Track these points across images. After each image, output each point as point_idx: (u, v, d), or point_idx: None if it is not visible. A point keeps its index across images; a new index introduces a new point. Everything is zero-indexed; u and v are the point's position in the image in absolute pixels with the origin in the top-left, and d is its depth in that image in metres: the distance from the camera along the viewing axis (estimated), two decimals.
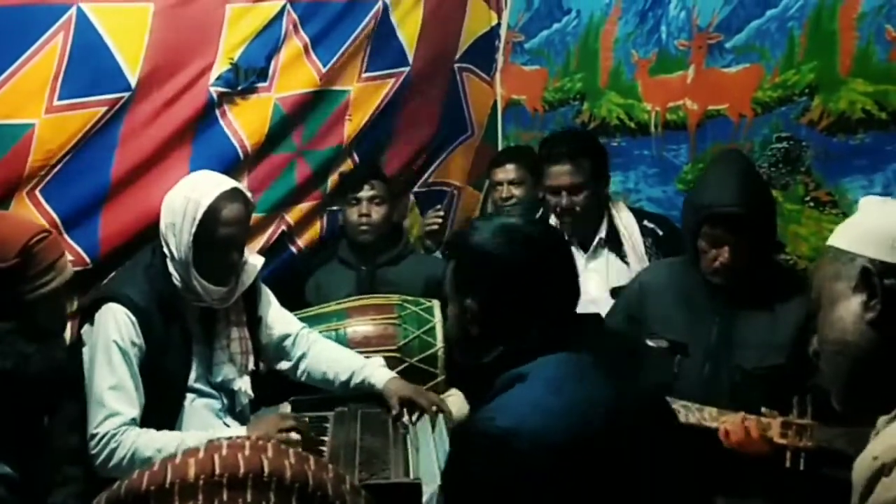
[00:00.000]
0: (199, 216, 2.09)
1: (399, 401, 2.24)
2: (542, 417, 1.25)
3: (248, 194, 2.25)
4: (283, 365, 2.44)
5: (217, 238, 2.12)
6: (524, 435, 1.23)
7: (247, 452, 0.65)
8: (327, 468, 0.67)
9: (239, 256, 2.21)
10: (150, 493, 0.63)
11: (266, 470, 0.64)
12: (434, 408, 2.23)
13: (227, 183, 2.19)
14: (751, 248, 1.96)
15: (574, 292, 1.44)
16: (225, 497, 0.62)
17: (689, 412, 1.89)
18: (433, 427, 2.18)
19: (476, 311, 1.40)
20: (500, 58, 3.62)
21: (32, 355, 1.47)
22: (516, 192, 3.08)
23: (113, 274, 2.39)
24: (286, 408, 2.40)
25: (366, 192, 2.90)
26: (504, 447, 1.23)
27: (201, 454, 0.65)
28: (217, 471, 0.63)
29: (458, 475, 1.32)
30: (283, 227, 2.98)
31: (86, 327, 2.16)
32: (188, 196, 2.13)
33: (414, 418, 2.22)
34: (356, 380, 2.34)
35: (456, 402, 2.55)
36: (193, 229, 2.09)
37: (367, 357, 2.43)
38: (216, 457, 0.64)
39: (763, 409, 1.82)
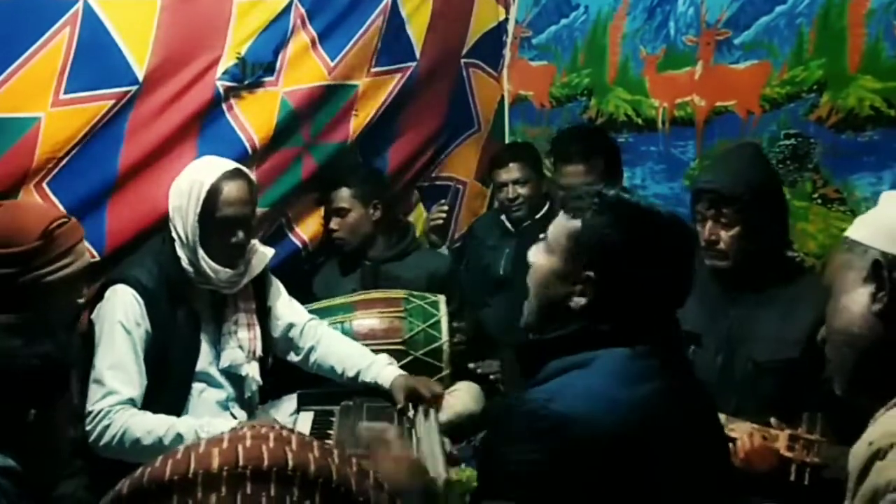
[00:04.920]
0: (202, 195, 2.14)
1: (406, 397, 2.27)
2: (603, 408, 1.23)
3: (252, 175, 2.28)
4: (293, 357, 2.47)
5: (221, 217, 2.17)
6: (580, 423, 1.20)
7: (271, 444, 0.64)
8: (351, 462, 0.66)
9: (245, 236, 2.23)
10: (174, 483, 0.62)
11: (290, 464, 0.63)
12: (432, 397, 2.26)
13: (230, 164, 2.24)
14: (738, 226, 1.96)
15: (682, 299, 1.39)
16: (248, 490, 0.61)
17: None
18: (426, 416, 2.19)
19: (593, 285, 1.32)
20: (507, 53, 3.62)
21: (18, 350, 1.47)
22: (522, 191, 3.08)
23: (125, 260, 2.40)
24: (292, 401, 2.41)
25: (331, 206, 2.95)
26: (557, 432, 1.20)
27: (225, 444, 0.64)
28: (241, 462, 0.63)
29: (499, 455, 1.27)
30: (282, 219, 3.00)
31: (96, 309, 2.19)
32: (192, 178, 2.19)
33: (412, 413, 2.23)
34: (363, 378, 2.37)
35: (461, 396, 2.55)
36: (198, 209, 2.14)
37: (373, 351, 2.45)
38: (240, 447, 0.64)
39: (772, 421, 1.81)
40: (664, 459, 1.26)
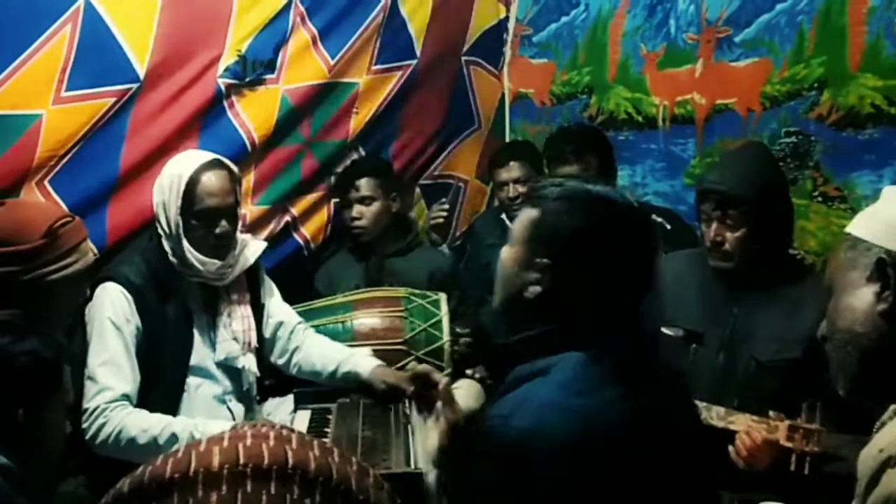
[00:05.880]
0: (182, 187, 2.14)
1: (385, 385, 2.25)
2: (562, 418, 1.22)
3: (233, 166, 2.28)
4: (277, 358, 2.45)
5: (203, 208, 2.17)
6: (538, 436, 1.20)
7: (271, 443, 0.65)
8: (351, 461, 0.67)
9: (230, 226, 2.23)
10: (175, 481, 0.63)
11: (290, 462, 0.64)
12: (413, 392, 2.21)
13: (209, 156, 2.24)
14: (744, 227, 1.95)
15: (646, 287, 1.36)
16: (249, 488, 0.62)
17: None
18: (419, 411, 2.17)
19: (548, 272, 1.31)
20: (507, 51, 3.62)
21: (4, 347, 1.46)
22: (522, 189, 3.06)
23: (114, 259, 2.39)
24: (290, 400, 2.41)
25: (354, 194, 2.92)
26: (520, 451, 1.20)
27: (225, 443, 0.65)
28: (241, 461, 0.63)
29: (471, 477, 1.28)
30: (288, 218, 2.99)
31: (87, 308, 2.18)
32: (172, 172, 2.19)
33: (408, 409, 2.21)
34: (342, 370, 2.35)
35: (462, 394, 2.55)
36: (179, 202, 2.15)
37: (375, 351, 2.44)
38: (240, 446, 0.64)
39: (770, 413, 1.81)
40: (621, 468, 1.24)
